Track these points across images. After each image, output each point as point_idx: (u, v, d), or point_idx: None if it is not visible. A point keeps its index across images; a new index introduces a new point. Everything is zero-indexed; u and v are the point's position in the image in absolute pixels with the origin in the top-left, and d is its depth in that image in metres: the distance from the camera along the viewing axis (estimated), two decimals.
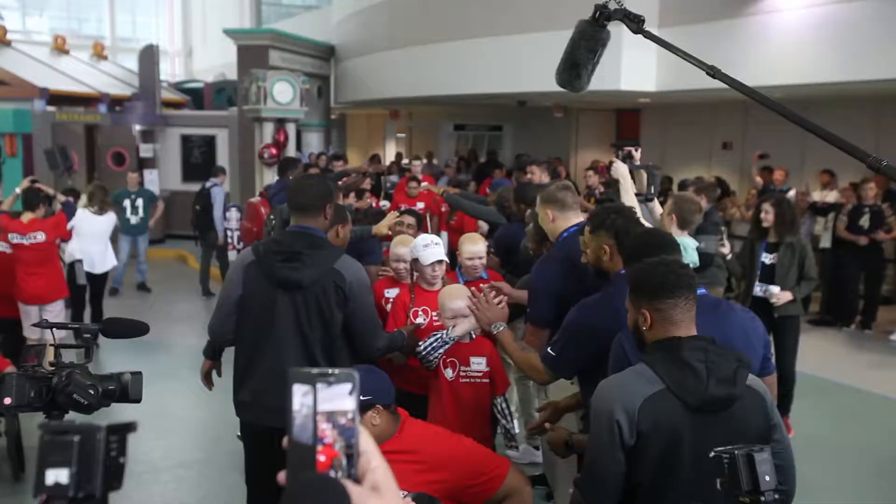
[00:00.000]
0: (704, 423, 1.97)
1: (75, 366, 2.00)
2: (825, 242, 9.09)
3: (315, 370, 0.84)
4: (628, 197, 3.69)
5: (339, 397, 0.82)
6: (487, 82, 12.30)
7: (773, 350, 2.53)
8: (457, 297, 3.32)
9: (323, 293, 3.09)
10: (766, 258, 5.59)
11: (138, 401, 2.07)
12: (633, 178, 3.83)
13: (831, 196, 9.70)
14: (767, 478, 1.64)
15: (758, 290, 5.54)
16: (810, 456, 5.36)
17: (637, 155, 3.93)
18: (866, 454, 5.38)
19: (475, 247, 4.09)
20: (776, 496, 1.64)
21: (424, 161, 10.58)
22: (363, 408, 2.50)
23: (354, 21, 15.92)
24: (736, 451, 1.66)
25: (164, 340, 7.78)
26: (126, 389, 2.06)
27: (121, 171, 12.42)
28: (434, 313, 3.59)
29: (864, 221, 8.52)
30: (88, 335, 2.21)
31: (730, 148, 13.22)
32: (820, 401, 6.50)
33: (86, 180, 11.62)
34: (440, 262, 3.68)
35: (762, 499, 1.63)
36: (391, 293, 3.95)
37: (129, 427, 1.04)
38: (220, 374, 3.68)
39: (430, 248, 3.67)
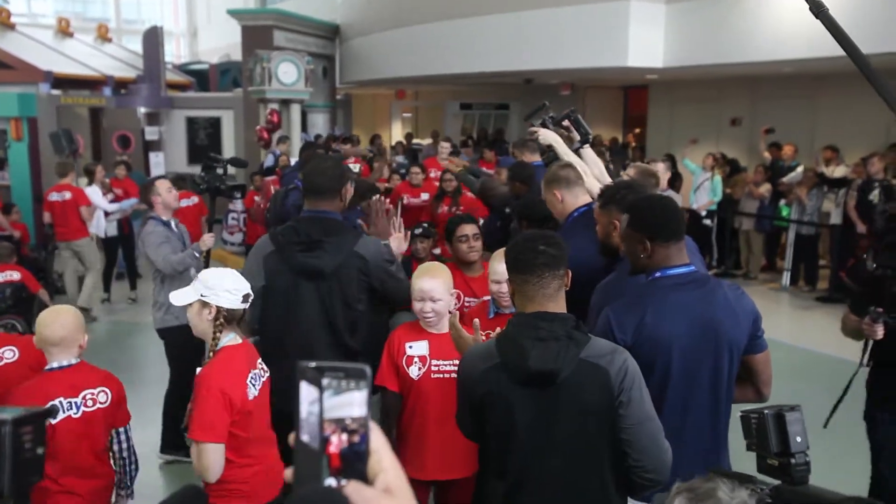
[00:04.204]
0: (534, 396, 2.07)
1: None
2: (836, 219, 8.99)
3: (325, 366, 0.80)
4: (568, 156, 3.71)
5: (349, 404, 0.79)
6: (494, 60, 12.20)
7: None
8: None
9: (346, 278, 3.09)
10: None
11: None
12: (575, 128, 3.89)
13: (838, 171, 9.59)
14: (799, 438, 1.53)
15: None
16: (818, 434, 5.34)
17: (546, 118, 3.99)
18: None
19: (503, 266, 3.31)
20: (807, 458, 1.56)
21: (431, 141, 10.34)
22: None
23: (359, 0, 15.80)
24: (766, 411, 1.56)
25: None
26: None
27: (128, 153, 12.41)
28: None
29: (874, 196, 8.43)
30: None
31: (738, 124, 13.09)
32: (827, 379, 6.45)
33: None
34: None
35: (793, 461, 1.54)
36: (414, 348, 3.01)
37: (46, 414, 0.96)
38: None
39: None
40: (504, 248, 3.29)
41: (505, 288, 3.05)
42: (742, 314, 2.40)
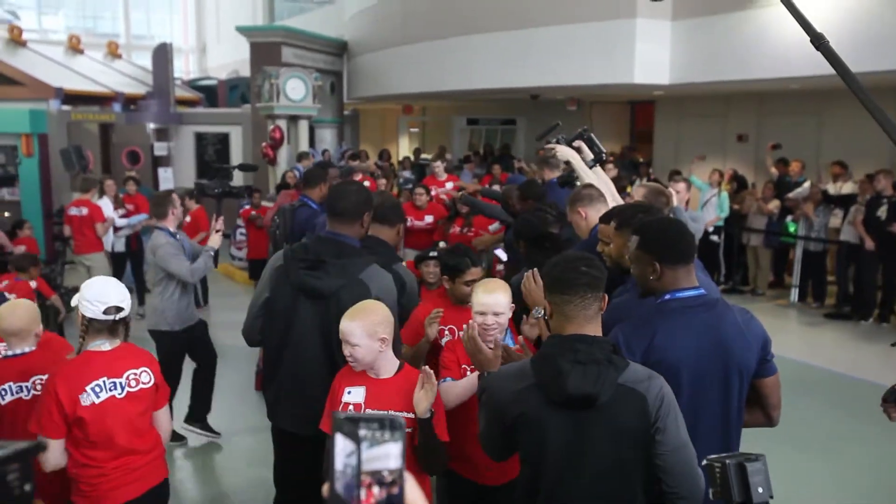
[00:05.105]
0: (571, 419, 2.05)
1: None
2: (846, 235, 8.98)
3: (360, 417, 0.79)
4: (585, 172, 3.72)
5: (385, 456, 0.79)
6: (500, 77, 12.25)
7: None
8: None
9: (347, 303, 2.96)
10: None
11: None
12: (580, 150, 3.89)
13: (846, 187, 9.59)
14: (760, 489, 1.55)
15: None
16: (825, 452, 5.32)
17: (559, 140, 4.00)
18: (882, 451, 5.31)
19: (489, 297, 2.89)
20: None
21: (447, 159, 10.10)
22: None
23: (367, 16, 15.90)
24: (727, 461, 1.58)
25: None
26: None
27: (137, 169, 12.49)
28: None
29: (882, 212, 8.42)
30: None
31: (745, 140, 13.10)
32: (836, 396, 6.44)
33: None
34: None
35: None
36: (352, 395, 2.73)
37: (35, 449, 0.92)
38: None
39: None
40: (488, 280, 3.16)
41: (490, 320, 2.82)
42: (752, 338, 2.39)
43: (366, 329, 2.61)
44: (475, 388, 2.89)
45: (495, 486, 2.93)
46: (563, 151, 3.82)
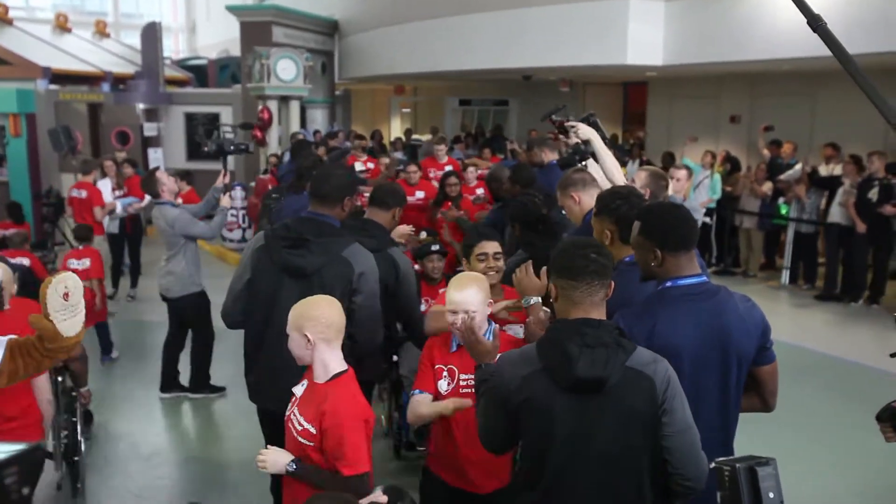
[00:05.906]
0: (579, 404, 2.05)
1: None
2: (835, 217, 8.99)
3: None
4: (606, 153, 3.67)
5: None
6: (493, 57, 12.19)
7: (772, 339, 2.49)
8: None
9: (329, 281, 3.02)
10: None
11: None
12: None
13: (838, 169, 9.59)
14: (771, 494, 1.50)
15: None
16: (814, 434, 5.35)
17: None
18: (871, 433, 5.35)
19: (459, 294, 2.72)
20: None
21: (430, 137, 10.08)
22: None
23: None
24: (737, 465, 1.52)
25: None
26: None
27: (126, 149, 12.38)
28: None
29: (873, 194, 8.43)
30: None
31: (737, 121, 13.09)
32: (827, 377, 6.48)
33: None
34: None
35: None
36: (301, 387, 2.67)
37: (31, 452, 0.91)
38: None
39: None
40: (460, 275, 2.99)
41: (461, 319, 2.65)
42: (752, 326, 2.39)
43: (293, 320, 2.46)
44: (438, 413, 2.79)
45: (482, 494, 2.87)
46: (585, 130, 3.79)
